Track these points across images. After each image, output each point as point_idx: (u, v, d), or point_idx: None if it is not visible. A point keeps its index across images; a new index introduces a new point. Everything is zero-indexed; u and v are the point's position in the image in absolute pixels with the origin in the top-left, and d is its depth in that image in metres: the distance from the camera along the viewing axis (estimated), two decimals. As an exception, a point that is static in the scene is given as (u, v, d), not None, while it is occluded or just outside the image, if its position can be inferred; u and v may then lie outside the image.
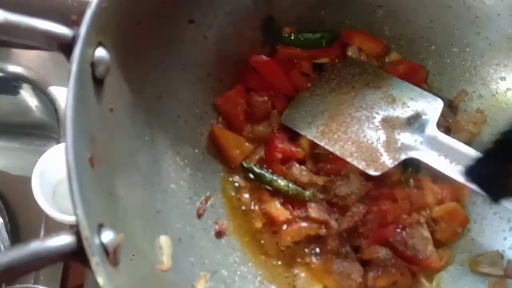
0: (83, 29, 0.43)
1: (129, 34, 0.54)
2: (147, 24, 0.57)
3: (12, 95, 1.06)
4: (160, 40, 0.61)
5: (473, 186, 0.59)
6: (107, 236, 0.40)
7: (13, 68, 1.00)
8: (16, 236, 0.94)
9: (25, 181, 0.79)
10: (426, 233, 0.68)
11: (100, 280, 0.35)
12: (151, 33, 0.59)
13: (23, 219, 0.96)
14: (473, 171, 0.56)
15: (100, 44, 0.48)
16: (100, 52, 0.47)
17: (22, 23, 0.42)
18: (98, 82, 0.48)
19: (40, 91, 1.00)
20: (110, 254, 0.39)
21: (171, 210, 0.59)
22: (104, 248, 0.39)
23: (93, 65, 0.46)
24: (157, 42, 0.60)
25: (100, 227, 0.41)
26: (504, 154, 0.52)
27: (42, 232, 0.88)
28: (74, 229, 0.37)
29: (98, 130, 0.48)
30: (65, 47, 0.43)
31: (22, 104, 1.06)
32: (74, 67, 0.42)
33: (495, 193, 0.53)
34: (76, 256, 0.37)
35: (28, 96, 1.05)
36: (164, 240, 0.54)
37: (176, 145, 0.64)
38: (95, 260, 0.36)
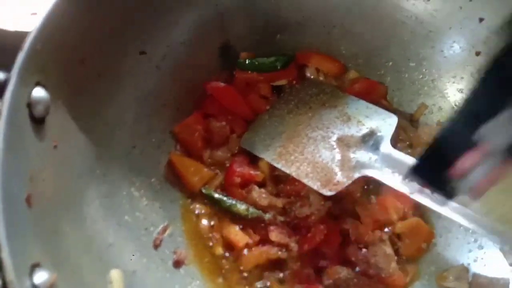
0: (14, 72, 0.44)
1: (74, 72, 0.56)
2: (93, 62, 0.58)
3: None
4: (110, 75, 0.62)
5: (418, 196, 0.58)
6: (41, 277, 0.40)
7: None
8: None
9: None
10: (389, 250, 0.68)
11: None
12: (99, 69, 0.60)
13: None
14: (417, 170, 0.55)
15: (38, 84, 0.48)
16: (38, 93, 0.48)
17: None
18: (38, 121, 0.49)
19: None
20: (42, 295, 0.40)
21: (125, 243, 0.59)
22: (36, 288, 0.40)
23: (30, 105, 0.47)
24: (106, 78, 0.61)
25: (33, 268, 0.41)
26: (443, 150, 0.50)
27: None
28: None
29: (38, 168, 0.48)
30: (-2, 90, 0.44)
31: None
32: (4, 110, 0.43)
33: (443, 188, 0.52)
34: (2, 300, 0.37)
35: None
36: (115, 274, 0.54)
37: (131, 176, 0.64)
38: (19, 303, 0.36)
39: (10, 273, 0.36)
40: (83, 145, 0.57)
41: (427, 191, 0.57)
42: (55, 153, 0.52)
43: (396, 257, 0.68)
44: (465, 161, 0.47)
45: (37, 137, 0.49)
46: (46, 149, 0.51)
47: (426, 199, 0.59)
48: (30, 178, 0.46)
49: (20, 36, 0.47)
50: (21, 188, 0.44)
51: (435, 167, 0.51)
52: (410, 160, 0.64)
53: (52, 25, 0.50)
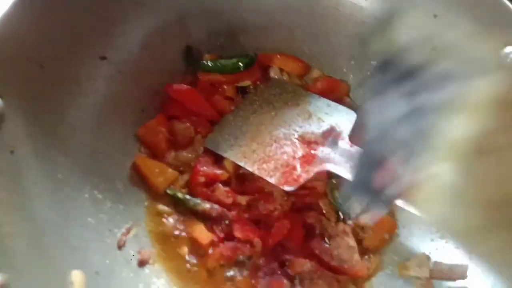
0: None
1: (30, 79, 0.57)
2: (52, 67, 0.59)
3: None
4: (70, 80, 0.63)
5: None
6: (-8, 278, 0.41)
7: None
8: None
9: None
10: (352, 242, 0.69)
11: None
12: (58, 74, 0.61)
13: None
14: (354, 188, 0.59)
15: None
16: (-9, 100, 0.49)
17: None
18: (-9, 127, 0.50)
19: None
20: (-8, 296, 0.40)
21: (88, 244, 0.60)
22: (-13, 290, 0.40)
23: (-18, 113, 0.48)
24: (66, 82, 0.62)
25: (-15, 269, 0.42)
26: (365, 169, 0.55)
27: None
28: None
29: (-7, 173, 0.49)
30: None
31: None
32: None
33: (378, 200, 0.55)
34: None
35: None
36: (76, 275, 0.54)
37: (94, 179, 0.65)
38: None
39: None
40: (43, 150, 0.58)
41: None
42: (12, 158, 0.53)
43: (358, 249, 0.69)
44: (381, 175, 0.50)
45: (-9, 143, 0.50)
46: (1, 154, 0.51)
47: None
48: (-16, 183, 0.47)
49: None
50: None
51: (364, 184, 0.54)
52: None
53: (6, 31, 0.51)
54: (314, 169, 0.66)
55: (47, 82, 0.59)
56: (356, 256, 0.68)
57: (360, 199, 0.56)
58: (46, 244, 0.54)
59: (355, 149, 0.67)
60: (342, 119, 0.72)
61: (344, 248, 0.69)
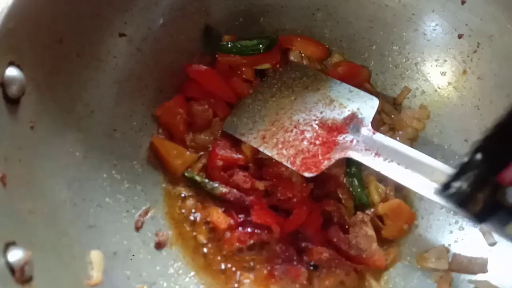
0: (-15, 49, 0.44)
1: (51, 52, 0.55)
2: (72, 42, 0.58)
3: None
4: (89, 56, 0.61)
5: (445, 203, 0.51)
6: (15, 255, 0.40)
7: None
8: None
9: None
10: (371, 232, 0.68)
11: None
12: (78, 50, 0.59)
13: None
14: (448, 188, 0.47)
15: (11, 64, 0.48)
16: (12, 72, 0.48)
17: None
18: (12, 101, 0.48)
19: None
20: (16, 273, 0.40)
21: (106, 224, 0.59)
22: (10, 266, 0.39)
23: (3, 85, 0.46)
24: (85, 58, 0.61)
25: (7, 246, 0.41)
26: (485, 165, 0.44)
27: None
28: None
29: (13, 149, 0.48)
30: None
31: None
32: (-24, 87, 0.42)
33: (478, 212, 0.45)
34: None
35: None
36: (95, 255, 0.54)
37: (111, 159, 0.64)
38: (-8, 280, 0.36)
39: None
40: (62, 127, 0.57)
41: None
42: (32, 134, 0.52)
43: (377, 238, 0.68)
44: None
45: (12, 117, 0.48)
46: (22, 130, 0.50)
47: (411, 182, 0.59)
48: (5, 158, 0.46)
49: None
50: (-5, 168, 0.44)
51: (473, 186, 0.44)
52: (392, 142, 0.64)
53: (26, 3, 0.49)
54: (336, 156, 0.65)
55: (66, 57, 0.58)
56: (375, 246, 0.67)
57: None
58: (64, 222, 0.54)
59: (378, 136, 0.65)
60: (364, 105, 0.70)
61: (363, 237, 0.67)
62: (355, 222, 0.69)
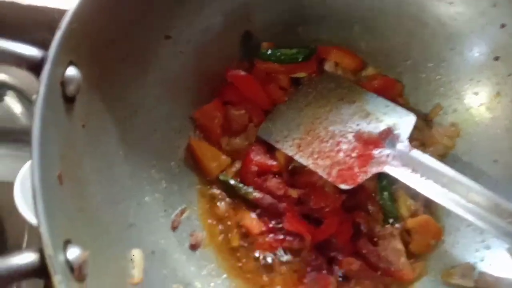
0: (52, 50, 0.45)
1: (104, 53, 0.56)
2: (122, 42, 0.58)
3: (-4, 102, 1.06)
4: (136, 57, 0.62)
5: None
6: (73, 253, 0.41)
7: (-2, 76, 1.01)
8: (2, 239, 0.94)
9: (12, 187, 0.80)
10: (399, 245, 0.69)
11: (61, 297, 0.36)
12: (127, 50, 0.60)
13: (9, 225, 0.96)
14: None
15: (71, 63, 0.49)
16: (71, 72, 0.49)
17: (-10, 45, 0.43)
18: (69, 100, 0.49)
19: (25, 98, 1.01)
20: (75, 271, 0.40)
21: (144, 223, 0.60)
22: (70, 264, 0.40)
23: (63, 84, 0.47)
24: (132, 59, 0.62)
25: (66, 244, 0.42)
26: None
27: (26, 237, 0.89)
28: (38, 246, 0.38)
29: (68, 147, 0.49)
30: (34, 67, 0.45)
31: (8, 111, 1.07)
32: (42, 88, 0.43)
33: None
34: (39, 273, 0.38)
35: (13, 103, 1.06)
36: (136, 254, 0.55)
37: (151, 158, 0.65)
38: (58, 278, 0.37)
39: (48, 248, 0.37)
40: (108, 126, 0.58)
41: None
42: (83, 132, 0.53)
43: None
44: None
45: (68, 116, 0.49)
46: (75, 129, 0.51)
47: (446, 201, 0.60)
48: (61, 156, 0.47)
49: (54, 13, 0.48)
50: (54, 166, 0.45)
51: None
52: (428, 159, 0.65)
53: (88, 5, 0.50)
54: (373, 170, 0.66)
55: (117, 58, 0.59)
56: (403, 259, 0.68)
57: None
58: (107, 221, 0.55)
59: (415, 153, 0.66)
60: (401, 121, 0.71)
61: (391, 250, 0.68)
62: (384, 235, 0.70)
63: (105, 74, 0.57)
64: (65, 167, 0.47)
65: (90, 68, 0.53)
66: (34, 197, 0.38)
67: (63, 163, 0.47)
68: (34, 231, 0.86)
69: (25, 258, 0.38)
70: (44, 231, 0.37)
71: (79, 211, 0.49)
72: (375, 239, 0.70)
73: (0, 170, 1.02)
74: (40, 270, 0.37)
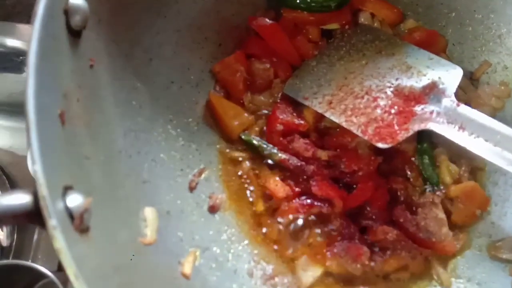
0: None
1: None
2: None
3: (16, 72, 1.03)
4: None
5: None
6: (74, 200, 0.36)
7: (15, 43, 0.97)
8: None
9: None
10: (441, 214, 0.62)
11: (57, 245, 0.31)
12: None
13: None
14: None
15: (76, -10, 0.43)
16: (76, 0, 0.43)
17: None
18: (75, 33, 0.43)
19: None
20: (76, 219, 0.35)
21: (160, 181, 0.54)
22: (69, 212, 0.35)
23: (67, 13, 0.42)
24: (149, 1, 0.56)
25: (66, 190, 0.36)
26: None
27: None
28: (32, 188, 0.33)
29: (73, 86, 0.43)
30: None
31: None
32: (40, 10, 0.37)
33: None
34: (33, 217, 0.33)
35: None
36: (149, 212, 0.49)
37: (167, 113, 0.59)
38: (52, 222, 0.31)
39: (43, 188, 0.32)
40: (120, 71, 0.52)
41: None
42: (91, 73, 0.47)
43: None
44: None
45: (73, 51, 0.43)
46: (82, 67, 0.45)
47: (501, 161, 0.53)
48: (64, 94, 0.41)
49: None
50: (54, 102, 0.39)
51: None
52: (478, 116, 0.57)
53: None
54: (415, 127, 0.58)
55: (130, -4, 0.52)
56: (445, 230, 0.61)
57: None
58: (119, 174, 0.49)
59: (463, 108, 0.58)
60: (447, 74, 0.63)
61: (432, 219, 0.61)
62: (424, 203, 0.62)
63: (117, 13, 0.51)
64: (69, 107, 0.41)
65: (99, 2, 0.47)
66: (28, 129, 0.33)
67: (66, 102, 0.41)
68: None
69: (18, 199, 0.32)
70: (38, 168, 0.32)
71: (86, 159, 0.43)
72: (414, 208, 0.63)
73: (19, 145, 0.98)
74: (34, 214, 0.32)
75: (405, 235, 0.61)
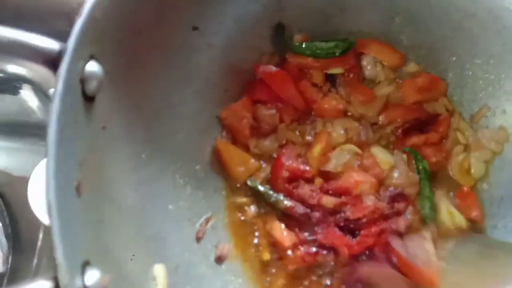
0: (71, 42, 0.39)
1: (129, 45, 0.50)
2: (149, 33, 0.53)
3: (13, 95, 1.03)
4: (162, 50, 0.57)
5: None
6: (92, 277, 0.36)
7: (13, 69, 0.96)
8: (16, 237, 0.91)
9: (27, 182, 0.77)
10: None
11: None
12: (153, 42, 0.54)
13: (24, 220, 0.93)
14: None
15: (92, 57, 0.43)
16: (92, 67, 0.43)
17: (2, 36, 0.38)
18: (89, 99, 0.44)
19: (42, 91, 0.97)
20: (95, 298, 0.35)
21: (168, 234, 0.55)
22: (88, 290, 0.35)
23: (83, 81, 0.42)
24: (159, 51, 0.56)
25: (85, 266, 0.37)
26: None
27: (41, 235, 0.85)
28: (53, 274, 0.33)
29: (87, 152, 0.43)
30: (51, 62, 0.39)
31: (24, 105, 1.03)
32: (59, 86, 0.37)
33: None
34: (55, 303, 0.33)
35: (29, 97, 1.02)
36: (159, 270, 0.50)
37: (176, 161, 0.59)
38: (75, 311, 0.31)
39: (64, 276, 0.32)
40: (132, 126, 0.53)
41: None
42: (103, 135, 0.47)
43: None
44: None
45: (87, 117, 0.44)
46: (95, 131, 0.46)
47: None
48: (80, 163, 0.42)
49: (74, 3, 0.42)
50: (72, 175, 0.39)
51: None
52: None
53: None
54: None
55: (143, 49, 0.53)
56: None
57: None
58: (129, 232, 0.49)
59: None
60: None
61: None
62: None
63: (129, 69, 0.51)
64: (84, 176, 0.42)
65: (113, 62, 0.48)
66: (49, 215, 0.33)
67: (82, 171, 0.41)
68: (49, 230, 0.83)
69: (39, 286, 0.32)
70: (60, 255, 0.32)
71: (99, 223, 0.44)
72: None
73: (15, 165, 0.98)
74: (56, 302, 0.32)
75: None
